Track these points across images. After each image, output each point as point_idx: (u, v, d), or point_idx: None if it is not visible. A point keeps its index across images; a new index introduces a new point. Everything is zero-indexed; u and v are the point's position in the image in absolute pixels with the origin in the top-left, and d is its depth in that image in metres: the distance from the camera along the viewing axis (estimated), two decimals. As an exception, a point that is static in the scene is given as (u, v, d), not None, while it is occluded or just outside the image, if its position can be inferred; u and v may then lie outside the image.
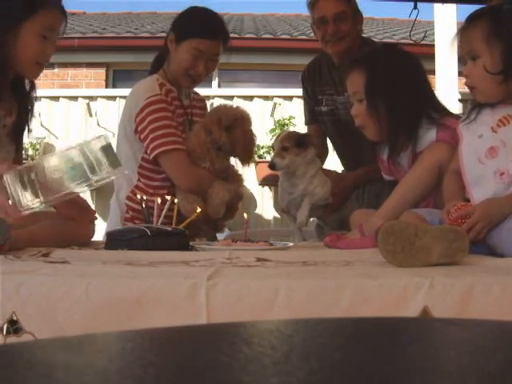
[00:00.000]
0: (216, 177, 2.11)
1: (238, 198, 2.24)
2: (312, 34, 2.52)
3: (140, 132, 2.10)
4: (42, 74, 1.80)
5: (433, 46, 4.90)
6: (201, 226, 1.97)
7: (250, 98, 5.28)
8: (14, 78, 1.68)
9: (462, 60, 1.52)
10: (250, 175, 5.12)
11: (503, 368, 0.35)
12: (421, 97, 1.73)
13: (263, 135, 4.97)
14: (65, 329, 0.91)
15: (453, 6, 5.20)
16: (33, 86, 1.78)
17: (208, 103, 2.67)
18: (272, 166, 2.13)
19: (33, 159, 4.31)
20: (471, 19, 1.47)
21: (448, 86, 4.83)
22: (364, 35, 2.48)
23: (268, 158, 4.89)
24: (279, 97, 5.21)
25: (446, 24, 5.13)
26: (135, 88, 2.22)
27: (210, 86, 6.50)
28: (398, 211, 1.59)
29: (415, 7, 2.85)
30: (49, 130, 4.96)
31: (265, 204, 5.14)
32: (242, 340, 0.43)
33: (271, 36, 7.31)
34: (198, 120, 2.24)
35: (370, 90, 1.71)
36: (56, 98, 5.12)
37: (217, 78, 6.89)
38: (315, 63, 2.56)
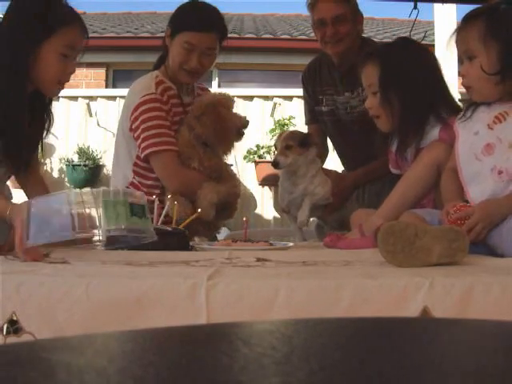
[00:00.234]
0: (207, 177, 2.07)
1: (234, 198, 2.19)
2: (312, 34, 2.53)
3: (133, 130, 2.10)
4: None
5: (433, 45, 4.90)
6: (197, 227, 1.96)
7: (250, 97, 5.28)
8: (34, 90, 1.66)
9: (459, 60, 1.52)
10: (250, 175, 5.13)
11: (503, 368, 0.35)
12: (433, 93, 1.72)
13: (263, 135, 4.97)
14: (65, 329, 0.91)
15: (453, 6, 5.20)
16: (50, 99, 1.76)
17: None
18: (275, 164, 2.13)
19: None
20: (468, 19, 1.47)
21: (448, 85, 4.83)
22: (364, 35, 2.48)
23: (268, 157, 4.89)
24: (279, 97, 5.21)
25: (445, 24, 5.13)
26: (133, 86, 2.22)
27: (210, 86, 6.49)
28: (398, 209, 1.59)
29: (415, 7, 2.85)
30: (49, 130, 4.96)
31: (265, 204, 5.14)
32: (242, 340, 0.43)
33: (271, 36, 7.31)
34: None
35: (383, 83, 1.72)
36: (56, 98, 5.12)
37: (217, 78, 6.89)
38: (315, 63, 2.56)
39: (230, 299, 0.92)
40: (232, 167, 5.37)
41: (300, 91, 2.80)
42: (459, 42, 1.47)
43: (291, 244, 1.74)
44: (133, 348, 0.41)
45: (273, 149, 4.78)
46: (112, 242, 1.31)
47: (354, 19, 2.31)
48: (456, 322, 0.61)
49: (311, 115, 2.59)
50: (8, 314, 0.92)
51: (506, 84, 1.41)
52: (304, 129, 2.64)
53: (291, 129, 4.56)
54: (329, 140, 2.65)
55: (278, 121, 4.88)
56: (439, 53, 4.94)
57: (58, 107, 5.11)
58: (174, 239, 1.51)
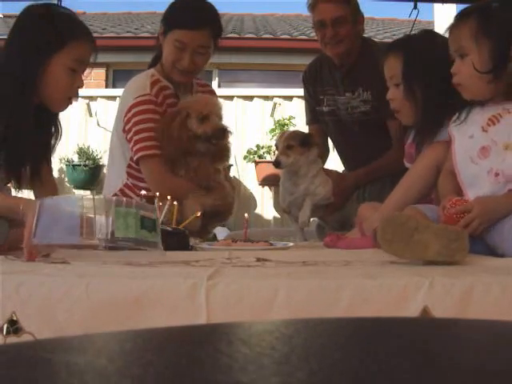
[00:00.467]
0: (197, 185, 2.00)
1: (223, 208, 2.11)
2: (312, 34, 2.54)
3: (126, 132, 2.07)
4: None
5: None
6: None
7: (250, 97, 5.28)
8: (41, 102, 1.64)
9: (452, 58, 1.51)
10: (250, 175, 5.13)
11: (503, 368, 0.35)
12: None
13: (263, 135, 4.98)
14: (65, 329, 0.91)
15: (453, 6, 5.19)
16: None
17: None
18: (277, 163, 2.12)
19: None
20: (460, 17, 1.47)
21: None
22: (364, 35, 2.49)
23: (268, 157, 4.90)
24: (279, 97, 5.21)
25: (445, 24, 5.12)
26: (129, 84, 2.18)
27: (210, 85, 6.49)
28: (400, 208, 1.59)
29: (415, 7, 2.86)
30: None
31: (265, 204, 5.14)
32: (242, 340, 0.43)
33: (271, 36, 7.31)
34: None
35: (407, 74, 1.70)
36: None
37: (217, 78, 6.89)
38: (316, 63, 2.57)
39: (230, 299, 0.92)
40: (232, 167, 5.37)
41: (300, 91, 2.80)
42: (451, 40, 1.47)
43: (291, 244, 1.74)
44: (133, 348, 0.41)
45: (273, 149, 4.80)
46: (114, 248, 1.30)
47: (354, 20, 2.31)
48: (456, 321, 0.61)
49: (312, 115, 2.59)
50: (8, 314, 0.92)
51: (498, 83, 1.40)
52: (304, 129, 2.64)
53: (291, 129, 4.56)
54: (329, 140, 2.65)
55: (278, 121, 4.88)
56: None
57: (58, 107, 5.11)
58: (173, 239, 1.50)
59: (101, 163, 4.99)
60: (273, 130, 4.85)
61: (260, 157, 4.95)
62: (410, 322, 0.62)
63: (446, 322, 0.61)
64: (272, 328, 0.48)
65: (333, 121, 2.49)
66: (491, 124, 1.43)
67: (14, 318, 0.92)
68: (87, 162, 5.01)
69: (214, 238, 2.10)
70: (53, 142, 1.73)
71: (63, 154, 5.05)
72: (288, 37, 7.25)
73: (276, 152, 2.21)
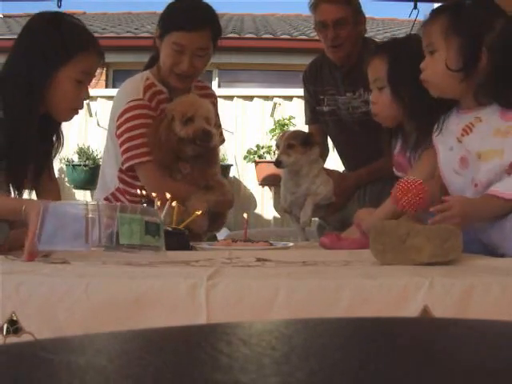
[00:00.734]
0: (196, 186, 1.97)
1: (225, 206, 2.10)
2: (312, 34, 2.54)
3: (118, 136, 2.02)
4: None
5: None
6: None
7: (250, 97, 5.28)
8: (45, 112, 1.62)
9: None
10: (250, 175, 5.13)
11: (503, 368, 0.35)
12: None
13: (263, 135, 4.98)
14: (65, 329, 0.91)
15: (453, 6, 5.19)
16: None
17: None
18: (278, 163, 2.11)
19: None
20: (434, 13, 1.45)
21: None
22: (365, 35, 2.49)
23: (268, 157, 4.90)
24: (279, 97, 5.21)
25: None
26: (123, 86, 2.14)
27: (210, 85, 6.50)
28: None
29: (415, 7, 2.86)
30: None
31: (265, 204, 5.14)
32: (242, 340, 0.43)
33: (271, 36, 7.32)
34: None
35: (393, 77, 1.69)
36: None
37: (217, 78, 6.89)
38: (316, 63, 2.57)
39: (230, 299, 0.92)
40: (232, 167, 5.36)
41: (300, 91, 2.80)
42: (423, 36, 1.45)
43: (291, 244, 1.74)
44: (133, 348, 0.41)
45: (273, 149, 4.80)
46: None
47: (355, 21, 2.31)
48: (456, 321, 0.61)
49: (312, 115, 2.59)
50: (8, 314, 0.92)
51: (469, 82, 1.38)
52: (304, 128, 2.64)
53: (291, 129, 4.56)
54: (329, 139, 2.65)
55: (278, 121, 4.88)
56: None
57: (58, 107, 5.11)
58: (173, 239, 1.50)
59: (101, 163, 4.99)
60: (273, 130, 4.85)
61: (260, 157, 4.95)
62: (410, 321, 0.62)
63: (446, 321, 0.61)
64: (272, 328, 0.48)
65: (333, 121, 2.49)
66: (465, 134, 1.41)
67: (14, 318, 0.92)
68: (87, 162, 5.01)
69: (214, 238, 2.10)
70: (54, 150, 1.73)
71: (63, 154, 5.04)
72: (288, 37, 7.25)
73: (276, 152, 2.20)
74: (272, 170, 4.59)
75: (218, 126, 2.24)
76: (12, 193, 1.60)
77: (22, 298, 0.94)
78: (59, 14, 1.71)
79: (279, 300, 0.91)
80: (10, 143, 1.50)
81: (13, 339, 0.90)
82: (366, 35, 2.49)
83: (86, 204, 1.18)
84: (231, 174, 5.06)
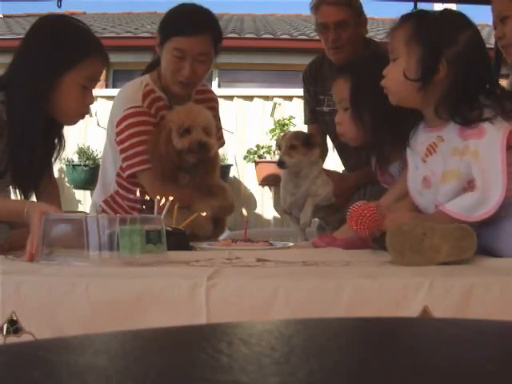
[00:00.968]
0: (198, 191, 1.96)
1: (226, 212, 2.10)
2: (312, 34, 2.54)
3: (118, 143, 2.00)
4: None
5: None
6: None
7: (250, 97, 5.28)
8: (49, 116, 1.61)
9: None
10: (250, 175, 5.13)
11: (503, 368, 0.35)
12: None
13: (263, 135, 4.98)
14: (65, 329, 0.91)
15: (453, 6, 5.19)
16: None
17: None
18: (281, 163, 2.10)
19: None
20: (400, 20, 1.43)
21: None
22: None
23: (268, 157, 4.89)
24: (279, 97, 5.21)
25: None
26: (122, 90, 2.11)
27: (210, 85, 6.50)
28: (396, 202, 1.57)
29: (415, 7, 2.86)
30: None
31: (265, 204, 5.14)
32: (242, 340, 0.43)
33: (271, 36, 7.32)
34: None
35: (354, 98, 1.66)
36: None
37: (217, 78, 6.89)
38: (316, 63, 2.57)
39: (229, 299, 0.92)
40: (232, 167, 5.35)
41: (300, 91, 2.80)
42: (389, 42, 1.43)
43: (291, 244, 1.74)
44: (133, 348, 0.41)
45: (273, 149, 4.81)
46: None
47: (356, 23, 2.31)
48: (456, 321, 0.61)
49: (311, 115, 2.59)
50: (8, 314, 0.92)
51: (428, 92, 1.35)
52: (303, 128, 2.64)
53: (291, 129, 4.56)
54: (328, 139, 2.65)
55: (278, 121, 4.88)
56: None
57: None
58: (173, 239, 1.50)
59: (101, 163, 4.99)
60: (273, 130, 4.85)
61: (260, 157, 4.95)
62: (410, 322, 0.62)
63: (446, 321, 0.62)
64: (272, 328, 0.48)
65: (333, 121, 2.48)
66: (429, 154, 1.40)
67: (14, 318, 0.92)
68: (87, 162, 5.01)
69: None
70: (56, 152, 1.72)
71: (63, 153, 5.05)
72: (288, 37, 7.25)
73: (276, 152, 2.20)
74: (272, 169, 4.59)
75: (219, 128, 2.23)
76: (18, 195, 1.60)
77: (22, 298, 0.94)
78: (65, 18, 1.69)
79: (279, 300, 0.91)
80: (14, 146, 1.50)
81: (13, 339, 0.90)
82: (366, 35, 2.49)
83: (86, 219, 1.18)
84: (231, 174, 5.06)
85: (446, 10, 1.51)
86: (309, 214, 2.12)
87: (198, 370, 0.34)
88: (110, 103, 2.22)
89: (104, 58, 1.64)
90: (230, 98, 5.14)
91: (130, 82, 2.13)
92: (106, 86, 6.78)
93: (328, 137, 2.64)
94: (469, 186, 1.28)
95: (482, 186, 1.25)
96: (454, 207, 1.28)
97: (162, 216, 1.67)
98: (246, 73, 7.18)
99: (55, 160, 1.74)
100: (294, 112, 4.82)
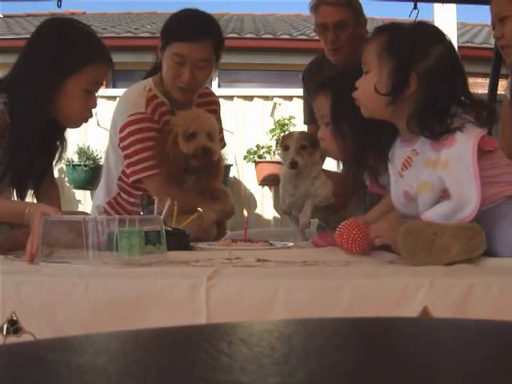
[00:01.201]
0: (202, 195, 1.99)
1: (227, 216, 2.11)
2: (312, 34, 2.54)
3: (122, 149, 2.01)
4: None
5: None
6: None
7: (250, 97, 5.28)
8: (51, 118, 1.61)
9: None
10: (250, 175, 5.13)
11: (503, 368, 0.35)
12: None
13: (263, 135, 4.97)
14: (65, 329, 0.91)
15: (453, 6, 5.20)
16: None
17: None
18: (294, 164, 2.09)
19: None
20: (375, 32, 1.42)
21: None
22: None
23: (268, 157, 4.89)
24: (279, 97, 5.21)
25: (445, 24, 5.13)
26: (124, 96, 2.11)
27: (210, 86, 6.50)
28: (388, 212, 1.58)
29: (415, 7, 2.86)
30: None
31: (265, 204, 5.14)
32: (242, 340, 0.43)
33: (271, 36, 7.32)
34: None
35: (335, 114, 1.65)
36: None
37: (217, 78, 6.89)
38: (316, 63, 2.57)
39: (230, 299, 0.92)
40: (232, 167, 5.35)
41: (300, 91, 2.80)
42: (363, 55, 1.41)
43: (291, 244, 1.74)
44: (133, 348, 0.41)
45: (273, 149, 4.81)
46: None
47: (355, 23, 2.31)
48: (456, 322, 0.61)
49: (311, 115, 2.58)
50: (8, 314, 0.92)
51: (398, 106, 1.34)
52: (303, 129, 2.64)
53: (291, 129, 4.56)
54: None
55: (278, 121, 4.88)
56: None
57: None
58: (173, 239, 1.50)
59: (101, 163, 4.98)
60: (273, 130, 4.84)
61: (260, 157, 4.95)
62: (410, 321, 0.62)
63: (446, 321, 0.62)
64: (272, 328, 0.48)
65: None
66: (404, 168, 1.40)
67: (14, 318, 0.92)
68: (87, 162, 5.01)
69: (214, 238, 2.10)
70: (58, 155, 1.72)
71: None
72: (288, 37, 7.25)
73: (277, 152, 2.20)
74: (272, 169, 4.58)
75: (220, 130, 2.23)
76: (14, 196, 1.60)
77: (22, 298, 0.94)
78: (72, 21, 1.68)
79: (279, 300, 0.91)
80: (15, 146, 1.50)
81: (13, 339, 0.90)
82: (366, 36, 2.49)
83: (85, 222, 1.18)
84: (231, 174, 5.06)
85: (419, 22, 1.49)
86: (308, 214, 2.12)
87: (197, 370, 0.34)
88: (111, 103, 2.22)
89: (109, 63, 1.64)
90: (230, 98, 5.14)
91: (132, 86, 2.13)
92: (106, 86, 6.77)
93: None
94: (444, 194, 1.28)
95: (456, 194, 1.25)
96: (431, 214, 1.27)
97: (163, 214, 1.68)
98: (246, 73, 7.18)
99: (58, 161, 1.74)
100: (293, 112, 4.82)
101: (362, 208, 2.16)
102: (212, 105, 2.22)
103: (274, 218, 5.05)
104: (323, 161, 2.49)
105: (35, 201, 1.70)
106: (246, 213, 1.88)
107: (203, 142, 1.92)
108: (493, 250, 1.24)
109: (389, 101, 1.33)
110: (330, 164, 2.66)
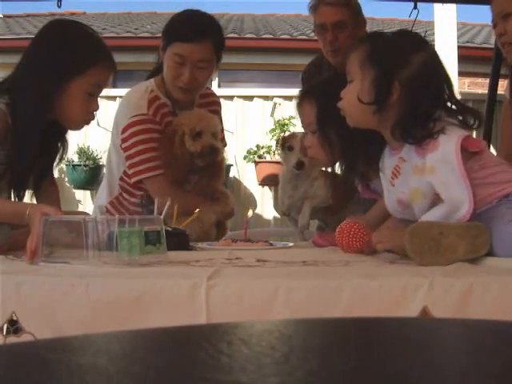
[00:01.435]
0: (203, 197, 2.00)
1: (226, 217, 2.11)
2: (312, 34, 2.53)
3: (124, 150, 2.01)
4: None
5: (433, 45, 4.91)
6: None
7: (250, 97, 5.28)
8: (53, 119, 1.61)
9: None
10: (250, 175, 5.13)
11: (503, 368, 0.35)
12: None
13: (263, 135, 4.97)
14: (65, 329, 0.91)
15: (453, 6, 5.20)
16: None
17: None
18: (300, 164, 2.09)
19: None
20: (357, 42, 1.42)
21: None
22: (365, 35, 2.48)
23: (268, 157, 4.89)
24: (279, 97, 5.21)
25: (446, 24, 5.14)
26: (126, 97, 2.11)
27: (210, 86, 6.50)
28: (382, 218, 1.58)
29: (415, 7, 2.85)
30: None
31: (265, 204, 5.14)
32: (242, 340, 0.43)
33: (271, 36, 7.31)
34: None
35: (321, 121, 1.65)
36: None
37: (217, 78, 6.89)
38: (316, 63, 2.57)
39: (230, 299, 0.92)
40: (232, 167, 5.35)
41: (300, 91, 2.79)
42: (347, 63, 1.41)
43: (291, 244, 1.74)
44: (133, 348, 0.41)
45: (273, 149, 4.81)
46: None
47: (354, 24, 2.30)
48: (456, 321, 0.61)
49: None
50: (8, 314, 0.92)
51: (383, 115, 1.34)
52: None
53: (291, 129, 4.56)
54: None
55: (278, 121, 4.88)
56: (439, 53, 4.95)
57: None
58: (173, 239, 1.50)
59: (101, 163, 4.98)
60: (273, 130, 4.84)
61: (260, 157, 4.95)
62: (410, 322, 0.62)
63: (446, 321, 0.62)
64: (272, 328, 0.48)
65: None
66: (394, 177, 1.40)
67: (14, 318, 0.92)
68: (87, 162, 5.00)
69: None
70: (58, 156, 1.72)
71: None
72: (288, 37, 7.25)
73: (277, 152, 2.20)
74: (272, 169, 4.58)
75: (221, 130, 2.24)
76: (12, 197, 1.60)
77: (22, 298, 0.94)
78: (75, 24, 1.68)
79: (279, 300, 0.92)
80: (15, 146, 1.50)
81: (13, 339, 0.90)
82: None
83: (86, 222, 1.17)
84: (231, 174, 5.06)
85: (401, 31, 1.48)
86: (307, 216, 2.12)
87: (198, 370, 0.34)
88: (110, 103, 2.23)
89: (112, 66, 1.64)
90: (230, 98, 5.14)
91: (134, 87, 2.13)
92: (106, 86, 6.77)
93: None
94: (438, 198, 1.28)
95: (448, 197, 1.25)
96: (428, 218, 1.27)
97: (163, 214, 1.67)
98: (246, 73, 7.17)
99: (59, 162, 1.74)
100: (293, 112, 4.81)
101: (361, 208, 2.16)
102: (213, 105, 2.23)
103: (274, 218, 5.05)
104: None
105: (34, 201, 1.70)
106: (250, 213, 1.88)
107: (210, 140, 1.94)
108: (490, 252, 1.25)
109: (373, 110, 1.33)
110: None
